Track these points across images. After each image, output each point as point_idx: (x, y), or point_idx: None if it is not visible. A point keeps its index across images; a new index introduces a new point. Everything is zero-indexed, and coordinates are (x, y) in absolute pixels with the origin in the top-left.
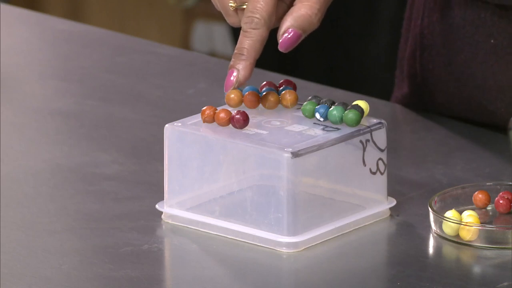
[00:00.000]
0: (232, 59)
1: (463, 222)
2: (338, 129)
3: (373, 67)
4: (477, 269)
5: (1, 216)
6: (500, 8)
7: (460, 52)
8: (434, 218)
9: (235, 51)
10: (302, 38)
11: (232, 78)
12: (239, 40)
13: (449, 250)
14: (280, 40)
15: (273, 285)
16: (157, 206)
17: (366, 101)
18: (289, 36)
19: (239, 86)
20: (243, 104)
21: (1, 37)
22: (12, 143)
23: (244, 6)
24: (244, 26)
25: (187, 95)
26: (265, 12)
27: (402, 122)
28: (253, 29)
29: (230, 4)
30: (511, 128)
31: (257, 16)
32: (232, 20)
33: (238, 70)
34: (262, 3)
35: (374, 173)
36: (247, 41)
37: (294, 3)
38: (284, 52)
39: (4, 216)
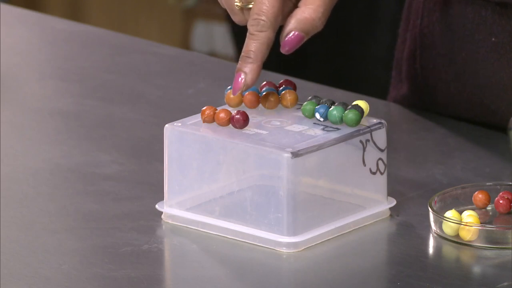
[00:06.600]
0: (239, 62)
1: (463, 222)
2: (338, 129)
3: (373, 67)
4: (477, 269)
5: (1, 216)
6: (500, 6)
7: (460, 51)
8: (434, 218)
9: (242, 54)
10: (305, 40)
11: (240, 80)
12: (245, 43)
13: (449, 250)
14: (283, 42)
15: (273, 285)
16: (157, 206)
17: (366, 101)
18: (291, 37)
19: (247, 89)
20: (243, 104)
21: (1, 37)
22: (12, 143)
23: (250, 6)
24: (250, 29)
25: (187, 95)
26: (271, 14)
27: (402, 122)
28: (259, 31)
29: (236, 3)
30: (511, 128)
31: (263, 18)
32: (237, 18)
33: (246, 73)
34: (267, 4)
35: (374, 173)
36: (254, 44)
37: (299, 4)
38: (285, 54)
39: (4, 216)
